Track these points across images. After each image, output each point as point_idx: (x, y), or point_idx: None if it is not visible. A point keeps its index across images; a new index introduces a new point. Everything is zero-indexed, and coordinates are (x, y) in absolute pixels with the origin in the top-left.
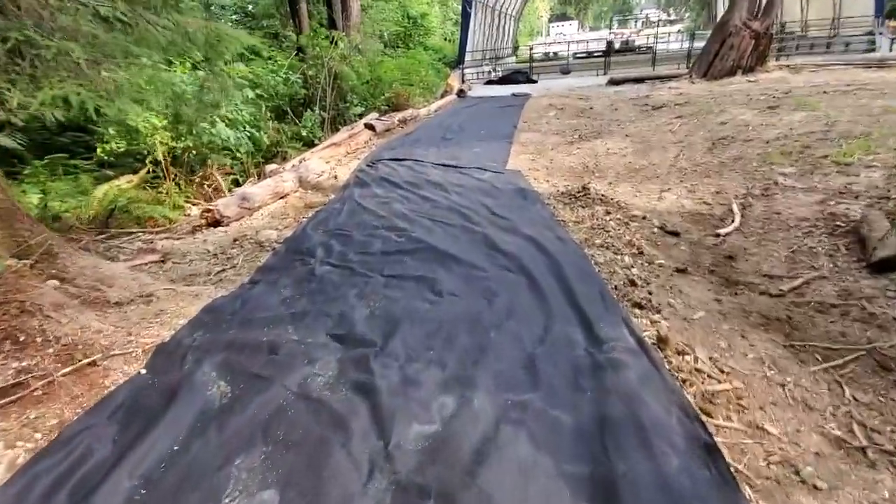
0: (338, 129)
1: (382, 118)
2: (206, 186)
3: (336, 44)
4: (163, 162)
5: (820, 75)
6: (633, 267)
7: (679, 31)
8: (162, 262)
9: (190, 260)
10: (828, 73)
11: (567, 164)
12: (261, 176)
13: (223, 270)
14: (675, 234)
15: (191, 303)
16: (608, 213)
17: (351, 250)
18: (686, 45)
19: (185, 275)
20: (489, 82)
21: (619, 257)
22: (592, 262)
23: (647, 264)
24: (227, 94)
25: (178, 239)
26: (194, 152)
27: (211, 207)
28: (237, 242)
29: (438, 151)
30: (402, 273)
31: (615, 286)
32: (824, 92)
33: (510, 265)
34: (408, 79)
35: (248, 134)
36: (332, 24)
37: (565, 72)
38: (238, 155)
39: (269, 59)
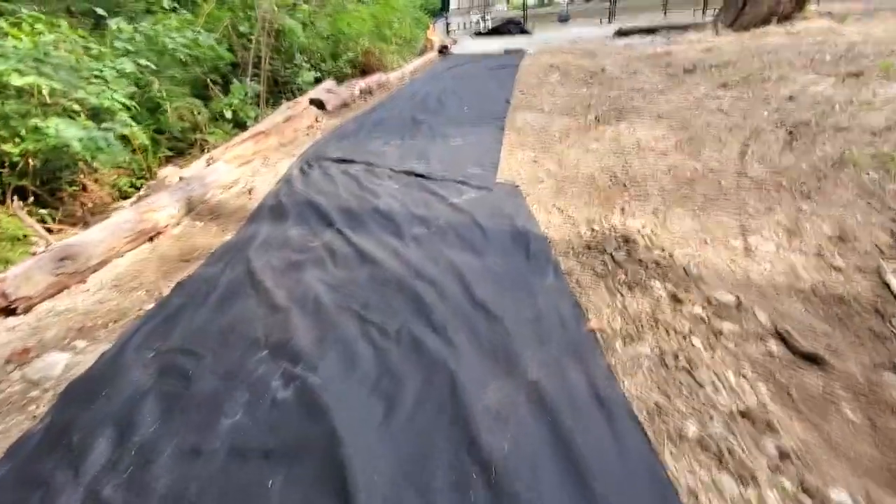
0: (281, 103)
1: (337, 89)
2: (82, 202)
3: None
4: None
5: (875, 25)
6: None
7: None
8: None
9: None
10: (881, 23)
11: (585, 170)
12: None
13: None
14: (813, 358)
15: None
16: (676, 301)
17: (176, 430)
18: None
19: None
20: (477, 34)
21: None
22: None
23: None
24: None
25: None
26: (48, 158)
27: None
28: None
29: (403, 144)
30: None
31: None
32: None
33: None
34: (379, 33)
35: (129, 124)
36: None
37: (564, 20)
38: (97, 163)
39: (174, 10)
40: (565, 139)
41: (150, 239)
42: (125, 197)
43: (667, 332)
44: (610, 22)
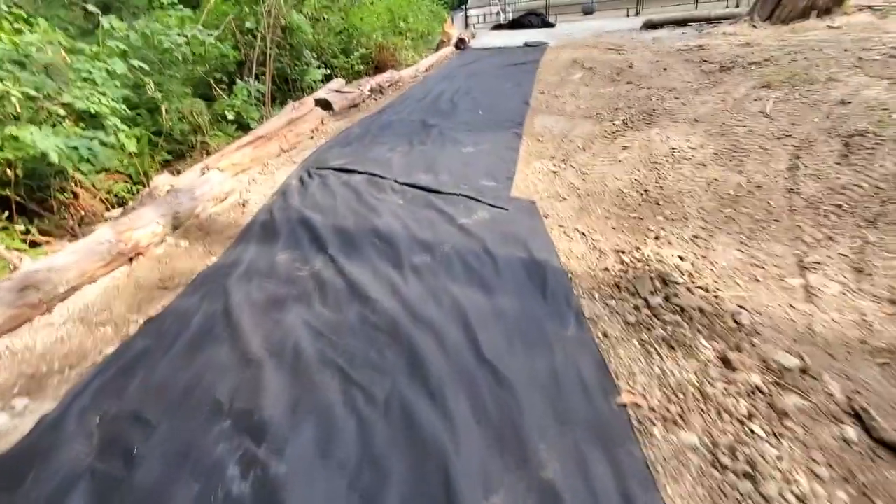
0: (287, 103)
1: (345, 88)
2: (72, 213)
3: None
4: None
5: None
6: None
7: None
8: None
9: None
10: None
11: (612, 185)
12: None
13: None
14: None
15: None
16: (727, 365)
17: None
18: None
19: None
20: (497, 27)
21: None
22: None
23: None
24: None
25: None
26: (34, 167)
27: None
28: None
29: (411, 151)
30: None
31: None
32: None
33: None
34: (394, 27)
35: (119, 128)
36: None
37: (588, 12)
38: (80, 173)
39: (172, 5)
40: (589, 147)
41: (130, 260)
42: (123, 203)
43: (719, 413)
44: (637, 13)
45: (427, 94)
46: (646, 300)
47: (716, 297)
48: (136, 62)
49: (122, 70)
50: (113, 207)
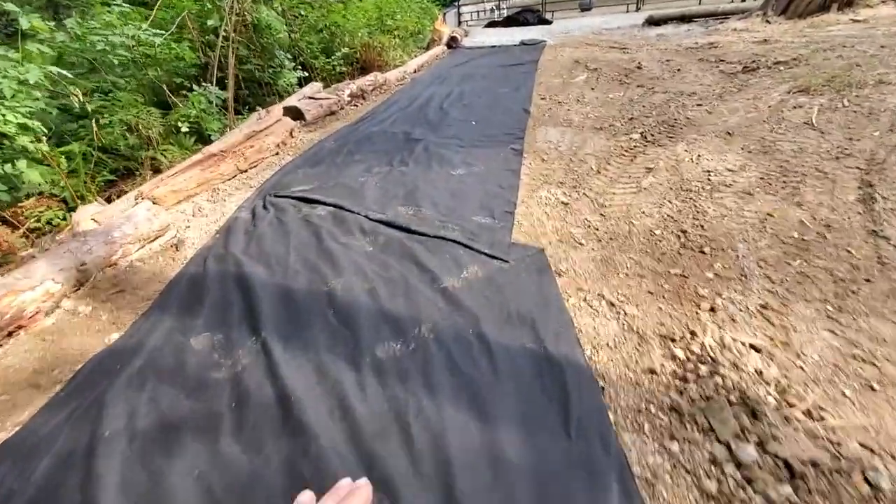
0: (256, 110)
1: (321, 94)
2: None
3: None
4: None
5: None
6: None
7: None
8: None
9: None
10: None
11: (638, 222)
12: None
13: None
14: None
15: None
16: None
17: None
18: None
19: None
20: (491, 24)
21: None
22: None
23: None
24: None
25: None
26: None
27: None
28: None
29: (390, 174)
30: None
31: None
32: None
33: None
34: (381, 24)
35: (27, 150)
36: None
37: (586, 8)
38: None
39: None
40: (605, 169)
41: (10, 334)
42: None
43: None
44: (638, 9)
45: (414, 100)
46: (729, 448)
47: (827, 432)
48: (54, 69)
49: (35, 79)
50: (42, 235)
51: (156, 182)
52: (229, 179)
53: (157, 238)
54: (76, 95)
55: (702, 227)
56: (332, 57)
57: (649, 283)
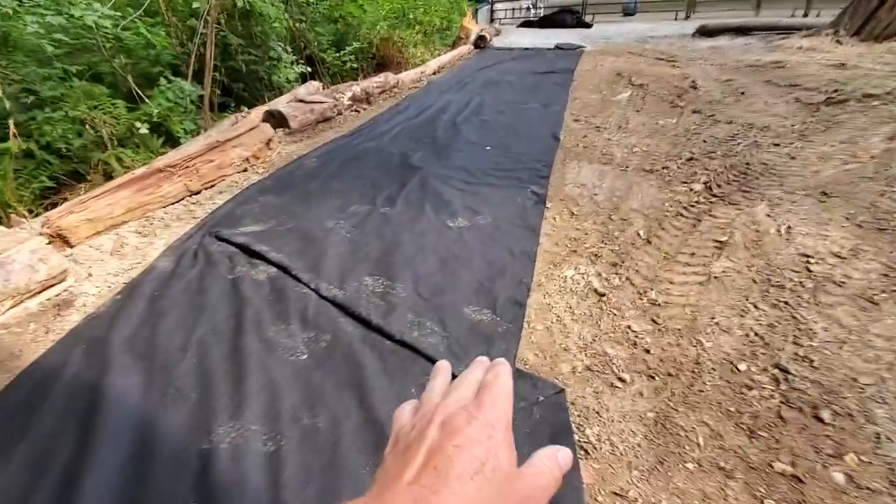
0: (240, 111)
1: (316, 96)
2: None
3: None
4: None
5: None
6: None
7: None
8: None
9: None
10: None
11: (711, 345)
12: None
13: None
14: None
15: None
16: None
17: None
18: None
19: None
20: (526, 24)
21: None
22: None
23: None
24: None
25: None
26: None
27: None
28: None
29: (369, 218)
30: None
31: None
32: None
33: None
34: (404, 17)
35: None
36: None
37: (630, 13)
38: None
39: None
40: (657, 237)
41: None
42: None
43: None
44: (687, 17)
45: (424, 110)
46: None
47: None
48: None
49: None
50: None
51: (70, 206)
52: (173, 204)
53: (40, 291)
54: None
55: (810, 362)
56: (343, 51)
57: (740, 492)
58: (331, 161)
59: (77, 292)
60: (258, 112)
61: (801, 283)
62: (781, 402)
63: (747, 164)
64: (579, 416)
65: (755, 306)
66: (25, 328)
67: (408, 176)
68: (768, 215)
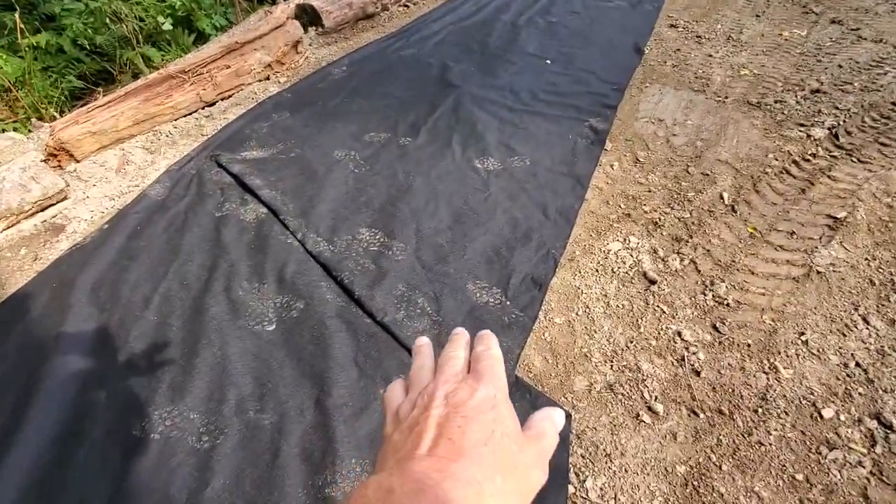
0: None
1: None
2: None
3: None
4: None
5: None
6: None
7: None
8: None
9: None
10: None
11: (794, 377)
12: None
13: None
14: None
15: None
16: None
17: None
18: None
19: None
20: None
21: None
22: None
23: None
24: None
25: None
26: None
27: None
28: None
29: (382, 152)
30: None
31: None
32: None
33: None
34: None
35: None
36: None
37: None
38: None
39: None
40: (745, 204)
41: None
42: None
43: None
44: None
45: (482, 7)
46: None
47: None
48: None
49: None
50: None
51: (76, 115)
52: (185, 116)
53: (37, 212)
54: None
55: None
56: None
57: None
58: (360, 71)
59: (71, 216)
60: (283, 9)
61: None
62: (871, 474)
63: (893, 104)
64: (583, 456)
65: (865, 321)
66: (16, 253)
67: (441, 96)
68: None
